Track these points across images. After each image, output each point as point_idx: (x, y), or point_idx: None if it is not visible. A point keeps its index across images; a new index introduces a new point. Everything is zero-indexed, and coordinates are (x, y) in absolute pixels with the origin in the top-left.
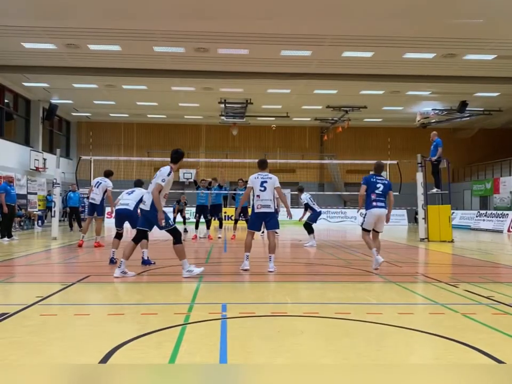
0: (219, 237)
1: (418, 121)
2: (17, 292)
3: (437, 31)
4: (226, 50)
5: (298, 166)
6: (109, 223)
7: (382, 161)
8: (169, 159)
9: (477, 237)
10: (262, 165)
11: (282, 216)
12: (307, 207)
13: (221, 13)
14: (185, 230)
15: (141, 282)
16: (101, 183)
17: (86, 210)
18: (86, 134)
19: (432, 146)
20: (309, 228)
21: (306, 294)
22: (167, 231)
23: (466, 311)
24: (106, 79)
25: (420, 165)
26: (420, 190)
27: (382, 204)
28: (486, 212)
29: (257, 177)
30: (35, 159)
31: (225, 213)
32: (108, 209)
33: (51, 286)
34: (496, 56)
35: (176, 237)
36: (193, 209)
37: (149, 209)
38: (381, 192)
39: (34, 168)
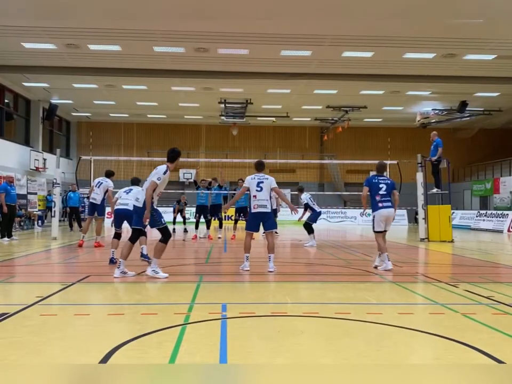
0: (219, 237)
1: (418, 121)
2: (17, 292)
3: (437, 31)
4: (226, 50)
5: (298, 166)
6: (109, 223)
7: (383, 161)
8: None
9: (477, 237)
10: (259, 167)
11: (282, 216)
12: (307, 207)
13: (221, 13)
14: (185, 230)
15: (141, 282)
16: (102, 183)
17: (86, 210)
18: (86, 134)
19: (432, 146)
20: (309, 228)
21: (306, 294)
22: (158, 229)
23: (466, 311)
24: (106, 79)
25: (420, 165)
26: (420, 190)
27: (389, 204)
28: (486, 212)
29: (254, 178)
30: (35, 159)
31: (225, 213)
32: (108, 209)
33: (51, 286)
34: (496, 56)
35: (165, 236)
36: (193, 209)
37: (141, 206)
38: (385, 192)
39: (34, 168)
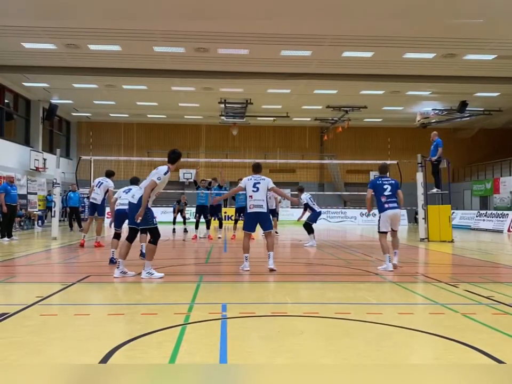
0: (219, 237)
1: (418, 121)
2: (17, 292)
3: (437, 31)
4: (226, 50)
5: (298, 166)
6: (108, 222)
7: (386, 162)
8: None
9: (477, 237)
10: (257, 169)
11: (282, 216)
12: (307, 207)
13: (221, 13)
14: (185, 230)
15: (141, 282)
16: (102, 183)
17: (87, 210)
18: (86, 134)
19: (432, 146)
20: (308, 228)
21: (306, 294)
22: (148, 229)
23: (466, 311)
24: (106, 79)
25: (420, 165)
26: (420, 190)
27: (395, 204)
28: (486, 212)
29: (250, 179)
30: (35, 159)
31: (225, 213)
32: (108, 209)
33: (51, 286)
34: (496, 56)
35: (155, 237)
36: (193, 209)
37: (136, 202)
38: (390, 193)
39: (34, 168)
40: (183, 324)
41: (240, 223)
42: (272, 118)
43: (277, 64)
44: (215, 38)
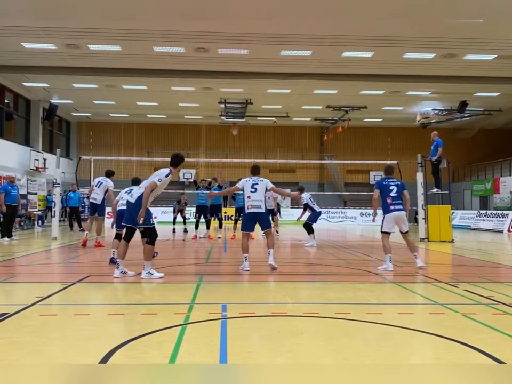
0: (219, 237)
1: (418, 121)
2: (17, 292)
3: (437, 31)
4: (226, 50)
5: (298, 166)
6: (109, 223)
7: (391, 163)
8: (169, 159)
9: (477, 237)
10: (255, 171)
11: (282, 216)
12: (307, 207)
13: (221, 13)
14: (185, 230)
15: (141, 282)
16: (102, 183)
17: (87, 210)
18: (86, 134)
19: (432, 146)
20: (308, 228)
21: (306, 294)
22: (145, 229)
23: (466, 311)
24: (106, 79)
25: (420, 165)
26: (420, 190)
27: (400, 206)
28: (486, 212)
29: (249, 180)
30: (35, 159)
31: (225, 213)
32: (108, 209)
33: (51, 286)
34: (496, 56)
35: (152, 237)
36: (193, 209)
37: (133, 201)
38: (396, 195)
39: (34, 168)
40: (183, 324)
41: (240, 223)
42: (272, 119)
43: (277, 64)
44: (215, 38)
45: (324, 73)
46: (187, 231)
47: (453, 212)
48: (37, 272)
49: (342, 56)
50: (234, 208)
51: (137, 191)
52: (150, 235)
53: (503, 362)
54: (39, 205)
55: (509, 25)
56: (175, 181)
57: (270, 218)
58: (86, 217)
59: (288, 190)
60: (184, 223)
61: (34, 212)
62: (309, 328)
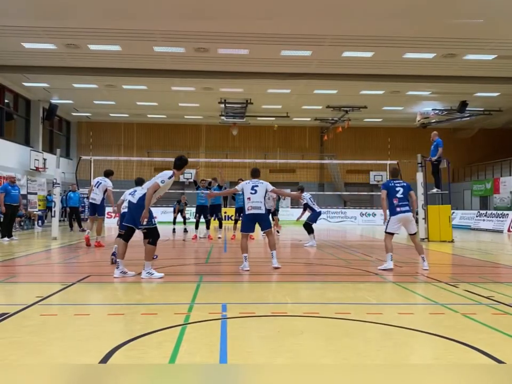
0: (219, 237)
1: (418, 121)
2: (17, 292)
3: (437, 31)
4: (226, 50)
5: (298, 166)
6: (109, 223)
7: (397, 167)
8: (169, 159)
9: (477, 237)
10: (255, 174)
11: (282, 216)
12: (306, 207)
13: (221, 13)
14: (185, 230)
15: (141, 282)
16: (101, 183)
17: (87, 210)
18: (86, 134)
19: (432, 146)
20: (308, 228)
21: (306, 294)
22: (147, 229)
23: (466, 311)
24: (106, 79)
25: (420, 165)
26: (420, 190)
27: (406, 208)
28: (486, 212)
29: (249, 183)
30: (35, 159)
31: (225, 213)
32: (108, 209)
33: (51, 286)
34: (496, 56)
35: (154, 238)
36: (193, 209)
37: (135, 202)
38: (402, 196)
39: (34, 168)
40: (183, 324)
41: (240, 223)
42: (273, 120)
43: (277, 64)
44: (215, 38)
45: (324, 73)
46: (187, 231)
47: (453, 212)
48: (37, 272)
49: (342, 56)
50: (234, 208)
51: (140, 191)
52: (152, 235)
53: (503, 362)
54: (39, 205)
55: (509, 25)
56: (175, 181)
57: (270, 218)
58: (86, 217)
59: (288, 191)
60: (184, 223)
61: (34, 212)
62: (309, 328)
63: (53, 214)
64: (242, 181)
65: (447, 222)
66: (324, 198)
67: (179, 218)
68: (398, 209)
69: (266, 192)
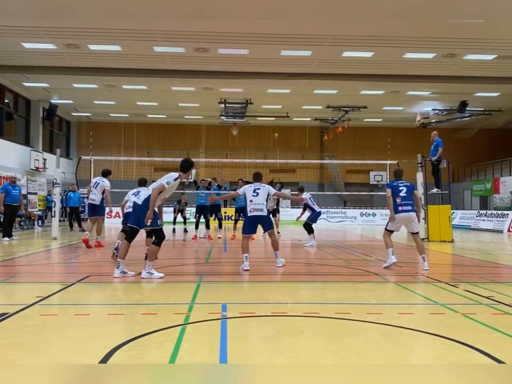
0: (219, 237)
1: (419, 121)
2: (17, 292)
3: (437, 31)
4: (226, 50)
5: (298, 166)
6: (109, 222)
7: (400, 168)
8: (169, 159)
9: (477, 237)
10: (257, 178)
11: (282, 216)
12: (306, 207)
13: (221, 13)
14: (185, 230)
15: (141, 282)
16: (98, 183)
17: (87, 210)
18: (86, 134)
19: (432, 146)
20: (308, 228)
21: (306, 294)
22: (153, 230)
23: (466, 311)
24: (106, 79)
25: (420, 165)
26: (420, 190)
27: (409, 208)
28: (486, 212)
29: (251, 186)
30: (35, 159)
31: (225, 213)
32: (107, 209)
33: (51, 286)
34: (496, 56)
35: (159, 238)
36: (193, 209)
37: (140, 203)
38: (405, 195)
39: (34, 168)
40: (183, 324)
41: (240, 223)
42: (273, 118)
43: (277, 64)
44: (215, 38)
45: (324, 73)
46: (187, 231)
47: (453, 212)
48: (37, 272)
49: (342, 56)
50: (234, 208)
51: (144, 192)
52: (157, 236)
53: (503, 362)
54: (39, 205)
55: (509, 25)
56: None
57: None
58: (86, 217)
59: (288, 190)
60: (185, 223)
61: (34, 212)
62: (309, 328)
63: (53, 214)
64: (242, 181)
65: (447, 222)
66: (323, 198)
67: (179, 218)
68: (400, 208)
69: (268, 195)
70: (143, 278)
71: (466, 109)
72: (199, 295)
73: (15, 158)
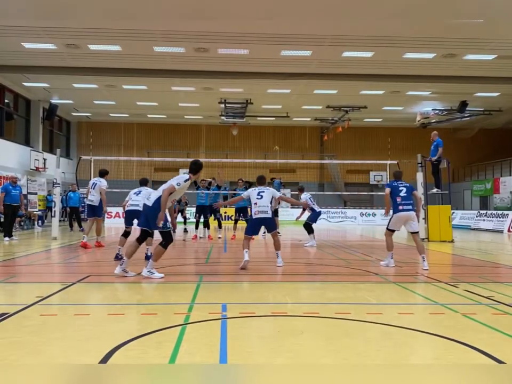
0: (219, 237)
1: (419, 121)
2: (17, 292)
3: (437, 31)
4: (226, 50)
5: (298, 166)
6: (108, 222)
7: (399, 170)
8: (169, 159)
9: (477, 237)
10: (260, 181)
11: (282, 216)
12: (306, 207)
13: (221, 13)
14: (185, 230)
15: (141, 282)
16: (96, 183)
17: (86, 211)
18: (86, 134)
19: (432, 146)
20: (308, 228)
21: (306, 294)
22: (161, 232)
23: (466, 311)
24: (106, 79)
25: (420, 165)
26: (420, 190)
27: (409, 207)
28: (486, 212)
29: (255, 189)
30: (35, 159)
31: (225, 213)
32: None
33: (51, 286)
34: (496, 56)
35: (167, 240)
36: (193, 209)
37: (150, 205)
38: (405, 195)
39: (35, 168)
40: (183, 324)
41: (240, 223)
42: (273, 118)
43: (277, 64)
44: (215, 38)
45: (324, 73)
46: (187, 231)
47: (453, 212)
48: (37, 272)
49: (342, 56)
50: (234, 208)
51: (155, 194)
52: (165, 238)
53: (503, 362)
54: (39, 205)
55: (509, 25)
56: None
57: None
58: (86, 217)
59: (288, 191)
60: (185, 223)
61: (34, 212)
62: (309, 328)
63: (53, 214)
64: (242, 181)
65: (447, 222)
66: (323, 198)
67: (179, 218)
68: (400, 207)
69: (272, 198)
70: (143, 276)
71: (466, 109)
72: (199, 295)
73: (15, 158)
